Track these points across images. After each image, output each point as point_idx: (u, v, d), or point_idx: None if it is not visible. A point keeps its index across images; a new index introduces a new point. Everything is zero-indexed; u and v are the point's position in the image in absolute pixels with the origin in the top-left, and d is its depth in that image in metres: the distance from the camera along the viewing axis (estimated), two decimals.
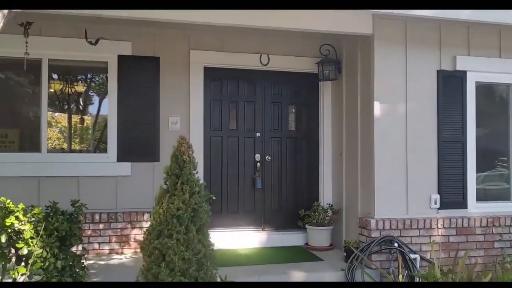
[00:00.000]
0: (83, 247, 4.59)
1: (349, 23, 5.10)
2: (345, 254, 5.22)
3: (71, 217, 3.75)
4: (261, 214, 6.25)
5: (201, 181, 3.39)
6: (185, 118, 5.94)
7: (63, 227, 3.58)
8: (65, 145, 6.32)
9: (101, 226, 5.51)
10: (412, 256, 4.98)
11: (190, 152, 3.24)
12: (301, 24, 5.00)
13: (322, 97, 6.37)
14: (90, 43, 4.91)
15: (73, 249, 3.95)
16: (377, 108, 5.19)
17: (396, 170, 5.23)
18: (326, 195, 6.28)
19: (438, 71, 5.38)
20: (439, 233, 5.24)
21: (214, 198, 5.68)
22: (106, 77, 5.86)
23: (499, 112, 5.83)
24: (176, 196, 3.04)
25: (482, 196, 5.57)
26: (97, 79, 6.31)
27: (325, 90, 6.34)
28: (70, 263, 3.73)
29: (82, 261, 3.90)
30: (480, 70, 5.47)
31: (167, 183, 3.22)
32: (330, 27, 5.11)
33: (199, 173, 5.93)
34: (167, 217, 3.01)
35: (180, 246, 2.92)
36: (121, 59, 5.74)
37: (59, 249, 3.56)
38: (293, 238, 6.16)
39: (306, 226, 5.97)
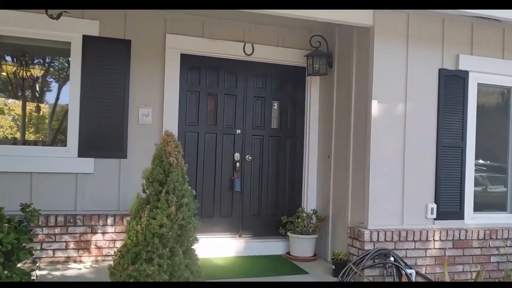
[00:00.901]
0: (33, 260, 3.87)
1: (347, 12, 4.57)
2: (333, 267, 4.73)
3: (20, 226, 3.05)
4: (239, 219, 5.67)
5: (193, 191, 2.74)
6: (157, 110, 5.28)
7: (8, 239, 2.87)
8: (18, 135, 5.52)
9: (57, 230, 4.79)
10: (408, 271, 4.53)
11: (177, 153, 2.60)
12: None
13: (309, 93, 5.84)
14: (51, 17, 4.17)
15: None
16: (375, 108, 4.70)
17: (392, 175, 4.76)
18: (311, 200, 5.76)
19: (439, 70, 4.94)
20: (435, 246, 4.81)
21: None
22: (68, 61, 5.12)
23: (499, 117, 5.45)
24: (159, 209, 2.41)
25: (479, 206, 5.18)
26: (57, 62, 5.55)
27: (313, 86, 5.82)
28: (17, 281, 3.03)
29: (32, 278, 3.21)
30: (483, 71, 5.07)
31: (148, 191, 2.58)
32: (325, 15, 4.55)
33: None
34: (146, 235, 2.38)
35: (163, 274, 2.30)
36: (87, 40, 5.02)
37: (2, 266, 2.86)
38: (273, 247, 5.61)
39: (288, 234, 5.43)
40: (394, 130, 4.77)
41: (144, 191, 2.72)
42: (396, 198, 4.78)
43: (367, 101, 4.78)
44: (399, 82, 4.81)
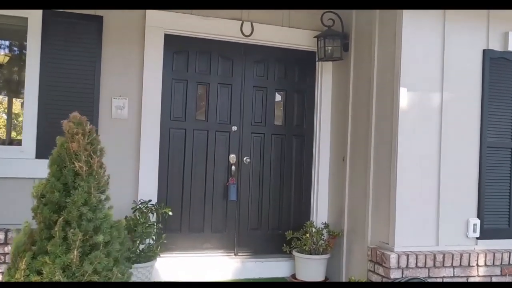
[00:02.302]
0: None
1: None
2: None
3: None
4: (235, 234, 4.70)
5: (121, 217, 1.79)
6: (135, 101, 4.34)
7: None
8: None
9: (7, 249, 3.86)
10: None
11: (91, 154, 1.65)
12: None
13: (320, 83, 4.86)
14: None
15: None
16: (404, 98, 3.72)
17: (424, 183, 3.78)
18: (321, 212, 4.79)
19: (484, 51, 3.95)
20: (479, 273, 3.82)
21: (170, 213, 4.12)
22: (24, 42, 4.18)
23: None
24: (49, 256, 1.44)
25: None
26: (10, 44, 4.61)
27: (325, 74, 4.84)
28: None
29: None
30: None
31: (36, 219, 1.62)
32: None
33: (152, 177, 4.40)
34: None
35: None
36: (48, 16, 4.10)
37: None
38: (276, 268, 4.65)
39: (294, 252, 4.45)
40: (427, 126, 3.79)
41: (33, 218, 1.76)
42: (429, 212, 3.79)
43: (393, 90, 3.80)
44: (433, 66, 3.83)
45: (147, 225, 3.95)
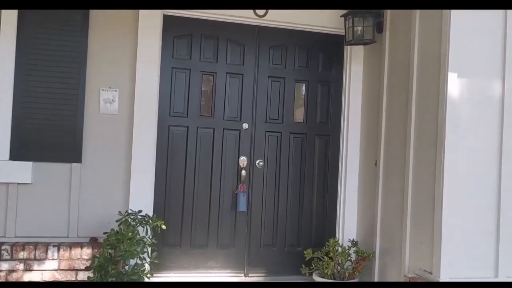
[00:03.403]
0: None
1: None
2: None
3: None
4: (245, 252, 3.98)
5: None
6: (127, 94, 3.70)
7: None
8: None
9: None
10: None
11: None
12: None
13: (348, 72, 4.08)
14: None
15: None
16: (454, 86, 2.90)
17: (481, 195, 2.95)
18: (349, 227, 4.01)
19: None
20: None
21: (163, 227, 3.44)
22: None
23: None
24: None
25: None
26: None
27: (354, 61, 4.06)
28: None
29: None
30: None
31: None
32: None
33: (147, 184, 3.73)
34: None
35: None
36: None
37: None
38: None
39: (314, 276, 3.68)
40: (484, 122, 2.96)
41: None
42: (486, 233, 2.95)
43: (439, 77, 2.98)
44: (492, 46, 2.99)
45: (134, 240, 3.28)
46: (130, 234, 3.26)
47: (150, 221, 3.44)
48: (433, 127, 3.00)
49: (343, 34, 3.83)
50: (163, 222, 3.45)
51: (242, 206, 3.88)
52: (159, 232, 3.48)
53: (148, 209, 3.61)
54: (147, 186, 3.68)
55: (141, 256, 3.29)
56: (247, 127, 3.97)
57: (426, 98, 3.13)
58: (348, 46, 3.98)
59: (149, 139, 3.69)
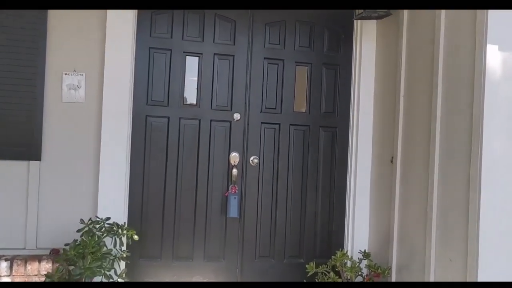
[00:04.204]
0: None
1: None
2: None
3: None
4: (237, 265, 3.39)
5: None
6: (95, 78, 3.11)
7: None
8: None
9: None
10: None
11: None
12: None
13: (358, 52, 3.47)
14: None
15: None
16: (494, 62, 2.28)
17: None
18: (359, 237, 3.40)
19: None
20: None
21: (135, 237, 2.87)
22: None
23: None
24: None
25: None
26: None
27: (365, 38, 3.44)
28: None
29: None
30: None
31: None
32: None
33: (119, 185, 3.13)
34: None
35: None
36: None
37: None
38: None
39: None
40: None
41: None
42: None
43: (474, 52, 2.35)
44: None
45: (99, 254, 2.71)
46: (93, 247, 2.68)
47: (120, 231, 2.85)
48: (467, 113, 2.38)
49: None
50: (134, 232, 2.88)
51: (233, 210, 3.28)
52: (131, 243, 2.90)
53: (120, 215, 3.05)
54: (120, 188, 3.09)
55: (107, 273, 2.70)
56: (239, 118, 3.37)
57: (456, 79, 2.51)
58: (358, 21, 3.37)
59: (122, 132, 3.10)
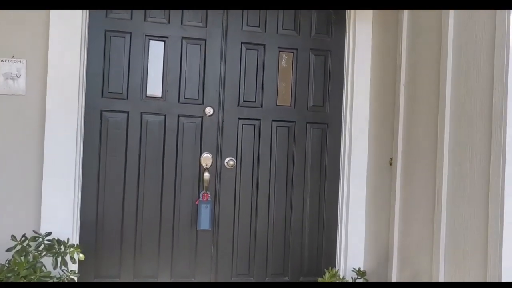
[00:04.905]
0: None
1: None
2: None
3: None
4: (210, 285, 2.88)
5: None
6: (38, 66, 2.61)
7: None
8: None
9: None
10: None
11: None
12: None
13: (352, 34, 2.97)
14: None
15: None
16: None
17: None
18: (353, 252, 2.89)
19: None
20: None
21: (81, 256, 2.38)
22: None
23: None
24: None
25: None
26: None
27: (360, 18, 2.94)
28: None
29: None
30: None
31: None
32: None
33: (67, 194, 2.56)
34: None
35: None
36: None
37: None
38: None
39: None
40: None
41: None
42: None
43: (493, 27, 1.85)
44: None
45: (35, 278, 2.21)
46: (25, 270, 2.18)
47: (63, 248, 2.36)
48: (485, 103, 1.88)
49: None
50: (80, 250, 2.37)
51: (204, 222, 2.78)
52: (77, 262, 2.40)
53: (69, 229, 2.55)
54: (68, 197, 2.59)
55: None
56: (211, 112, 2.87)
57: (471, 61, 2.01)
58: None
59: (71, 130, 2.60)
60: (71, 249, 2.35)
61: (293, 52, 2.99)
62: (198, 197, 2.84)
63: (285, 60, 2.98)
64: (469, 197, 1.95)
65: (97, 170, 2.74)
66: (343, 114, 3.00)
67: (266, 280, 2.94)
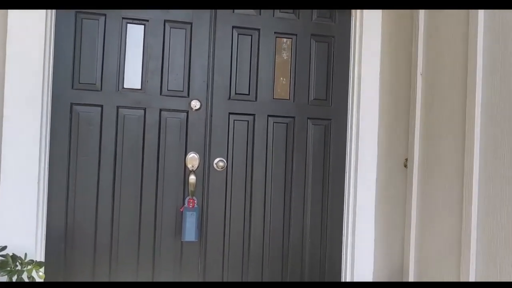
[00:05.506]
0: None
1: None
2: None
3: None
4: None
5: None
6: None
7: None
8: None
9: None
10: None
11: None
12: None
13: (358, 18, 2.60)
14: None
15: None
16: None
17: None
18: (361, 266, 2.53)
19: None
20: None
21: (41, 274, 2.01)
22: None
23: None
24: None
25: None
26: None
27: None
28: None
29: None
30: None
31: None
32: None
33: (29, 201, 2.11)
34: None
35: None
36: None
37: None
38: None
39: None
40: None
41: None
42: None
43: None
44: None
45: None
46: None
47: (19, 266, 1.99)
48: None
49: None
50: (39, 267, 2.00)
51: (189, 232, 2.42)
52: (38, 280, 2.03)
53: (32, 242, 2.19)
54: (31, 203, 2.23)
55: None
56: (198, 106, 2.50)
57: (504, 38, 1.65)
58: None
59: (34, 126, 2.23)
60: (29, 267, 1.98)
61: (292, 38, 2.63)
62: (183, 204, 2.47)
63: (284, 47, 2.62)
64: (509, 205, 1.60)
65: (66, 172, 2.38)
66: (349, 108, 2.64)
67: None
